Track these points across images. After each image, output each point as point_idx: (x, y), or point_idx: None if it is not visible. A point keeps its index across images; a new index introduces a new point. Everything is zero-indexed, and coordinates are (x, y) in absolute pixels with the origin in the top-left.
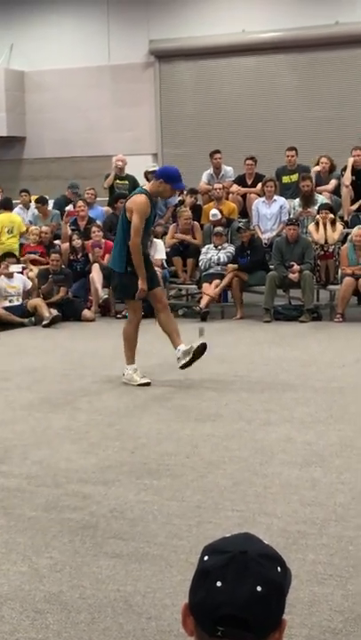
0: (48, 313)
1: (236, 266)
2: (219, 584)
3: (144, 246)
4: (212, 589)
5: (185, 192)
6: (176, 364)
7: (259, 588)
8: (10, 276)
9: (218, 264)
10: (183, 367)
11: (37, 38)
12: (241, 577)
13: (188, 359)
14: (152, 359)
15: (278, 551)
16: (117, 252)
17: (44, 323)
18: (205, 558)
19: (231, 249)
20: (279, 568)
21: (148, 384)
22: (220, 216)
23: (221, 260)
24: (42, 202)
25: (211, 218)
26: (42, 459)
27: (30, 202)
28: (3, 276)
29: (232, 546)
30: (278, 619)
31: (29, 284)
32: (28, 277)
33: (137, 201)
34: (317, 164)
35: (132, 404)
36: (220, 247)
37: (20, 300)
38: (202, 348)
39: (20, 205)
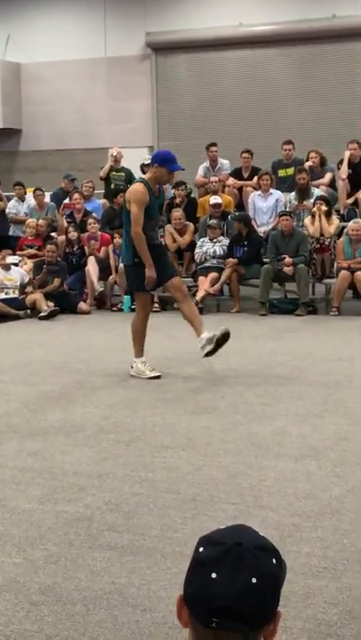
0: (46, 306)
1: (235, 260)
2: (214, 575)
3: (149, 237)
4: (207, 581)
5: (174, 186)
6: (200, 353)
7: (254, 580)
8: (7, 267)
9: (214, 257)
10: (207, 355)
11: (34, 30)
12: (236, 568)
13: (211, 347)
14: (148, 352)
15: (273, 544)
16: (125, 245)
17: (41, 314)
18: (200, 549)
19: (226, 242)
20: (274, 560)
21: (158, 377)
22: (220, 200)
23: (217, 252)
24: (40, 190)
25: (211, 201)
26: (37, 451)
27: (25, 194)
28: (0, 268)
29: (227, 537)
30: (273, 610)
31: (27, 278)
32: (24, 269)
33: (134, 190)
34: (307, 160)
35: (127, 396)
36: (215, 240)
37: (17, 292)
38: (225, 336)
39: (16, 198)
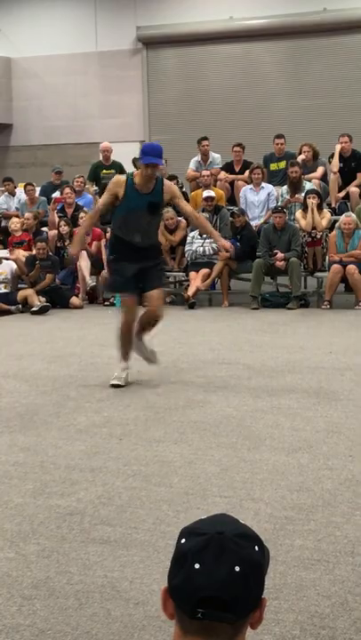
0: (38, 302)
1: (228, 255)
2: (197, 566)
3: (127, 235)
4: (190, 572)
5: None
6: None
7: (237, 568)
8: None
9: (204, 255)
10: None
11: (24, 25)
12: (218, 558)
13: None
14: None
15: (266, 537)
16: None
17: (33, 309)
18: (183, 541)
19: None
20: (257, 547)
21: (118, 386)
22: (213, 193)
23: (207, 252)
24: (31, 185)
25: (204, 194)
26: (29, 445)
27: (15, 188)
28: None
29: (208, 527)
30: (258, 597)
31: (15, 267)
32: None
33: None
34: (300, 153)
35: (119, 390)
36: (205, 236)
37: (9, 287)
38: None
39: (6, 193)
